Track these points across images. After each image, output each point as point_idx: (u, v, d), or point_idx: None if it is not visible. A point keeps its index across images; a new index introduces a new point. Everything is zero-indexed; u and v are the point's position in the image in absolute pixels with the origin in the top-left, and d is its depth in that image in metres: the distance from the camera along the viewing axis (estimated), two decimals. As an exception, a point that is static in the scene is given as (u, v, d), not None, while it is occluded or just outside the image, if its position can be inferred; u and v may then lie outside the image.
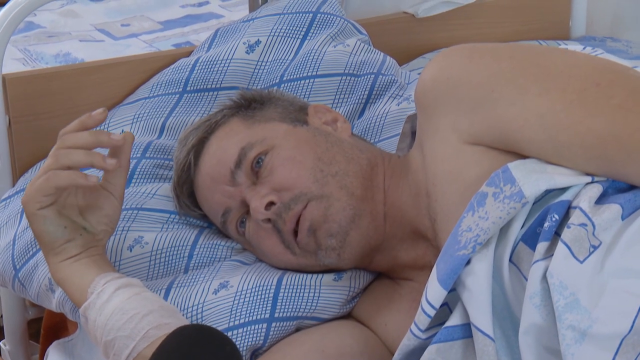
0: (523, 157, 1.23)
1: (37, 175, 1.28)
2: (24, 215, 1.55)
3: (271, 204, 1.37)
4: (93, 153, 1.27)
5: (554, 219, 1.14)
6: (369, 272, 1.46)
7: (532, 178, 1.17)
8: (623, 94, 1.17)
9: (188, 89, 1.73)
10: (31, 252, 1.51)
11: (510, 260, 1.16)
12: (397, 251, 1.41)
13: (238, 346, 1.35)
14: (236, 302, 1.38)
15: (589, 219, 1.12)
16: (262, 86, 1.74)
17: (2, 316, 1.79)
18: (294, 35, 1.80)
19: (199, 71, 1.73)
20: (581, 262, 1.10)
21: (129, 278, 1.33)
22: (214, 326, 1.35)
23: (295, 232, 1.38)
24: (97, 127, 1.33)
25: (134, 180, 1.59)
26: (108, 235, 1.36)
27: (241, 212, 1.43)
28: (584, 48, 1.41)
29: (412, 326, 1.19)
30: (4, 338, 1.80)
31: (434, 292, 1.16)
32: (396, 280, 1.44)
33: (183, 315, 1.37)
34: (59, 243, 1.32)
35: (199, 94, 1.73)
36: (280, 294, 1.39)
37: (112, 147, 1.30)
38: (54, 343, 1.63)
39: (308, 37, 1.81)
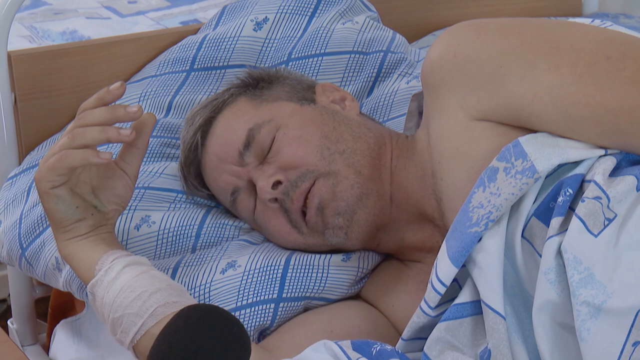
0: (533, 131, 1.22)
1: (51, 152, 1.26)
2: (31, 193, 1.55)
3: (278, 183, 1.36)
4: (107, 128, 1.25)
5: (567, 193, 1.13)
6: (377, 253, 1.45)
7: (545, 152, 1.16)
8: (635, 66, 1.16)
9: (195, 67, 1.72)
10: (38, 231, 1.51)
11: (522, 236, 1.15)
12: (403, 233, 1.40)
13: (245, 326, 1.34)
14: (244, 281, 1.38)
15: (604, 191, 1.11)
16: (270, 64, 1.73)
17: (9, 295, 1.78)
18: (302, 12, 1.79)
19: (206, 49, 1.72)
20: (596, 236, 1.09)
21: (137, 256, 1.32)
22: (221, 306, 1.35)
23: (303, 212, 1.37)
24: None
25: (141, 159, 1.58)
26: (118, 214, 1.35)
27: (249, 191, 1.42)
28: (592, 21, 1.39)
29: (422, 303, 1.18)
30: (11, 317, 1.80)
31: (445, 269, 1.16)
32: (404, 262, 1.43)
33: (190, 294, 1.37)
34: (69, 222, 1.31)
35: (206, 72, 1.72)
36: (288, 274, 1.38)
37: (130, 120, 1.27)
38: (61, 322, 1.63)
39: (316, 14, 1.79)
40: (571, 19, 2.03)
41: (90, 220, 1.32)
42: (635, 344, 1.05)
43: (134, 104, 1.27)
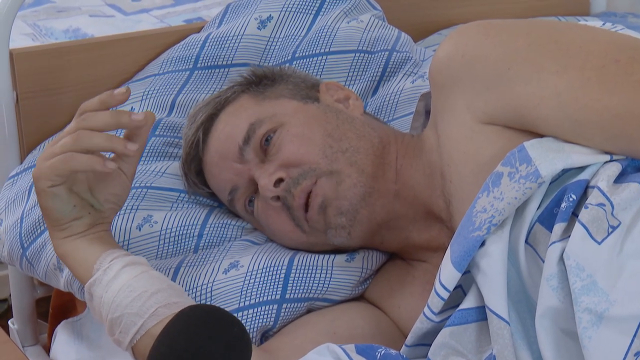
0: (539, 136, 1.21)
1: (52, 152, 1.25)
2: (32, 192, 1.54)
3: (280, 180, 1.36)
4: (114, 138, 1.24)
5: (571, 199, 1.12)
6: (382, 253, 1.44)
7: (549, 157, 1.15)
8: None
9: (199, 65, 1.71)
10: (39, 231, 1.50)
11: (526, 241, 1.14)
12: (409, 231, 1.39)
13: (248, 327, 1.33)
14: (247, 282, 1.37)
15: (607, 198, 1.10)
16: (274, 63, 1.72)
17: (10, 295, 1.78)
18: (306, 11, 1.78)
19: (209, 48, 1.72)
20: (599, 243, 1.08)
21: (136, 256, 1.31)
22: (223, 306, 1.34)
23: (306, 208, 1.36)
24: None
25: (143, 158, 1.57)
26: (114, 212, 1.34)
27: (249, 190, 1.41)
28: (603, 24, 1.38)
29: (425, 309, 1.18)
30: (12, 317, 1.79)
31: (448, 274, 1.15)
32: (409, 262, 1.42)
33: (192, 294, 1.37)
34: (66, 220, 1.30)
35: (209, 71, 1.71)
36: (292, 275, 1.37)
37: (133, 128, 1.27)
38: (62, 322, 1.63)
39: (321, 13, 1.79)
40: (580, 19, 2.02)
41: (87, 219, 1.31)
42: (637, 354, 1.04)
43: (140, 112, 1.26)
